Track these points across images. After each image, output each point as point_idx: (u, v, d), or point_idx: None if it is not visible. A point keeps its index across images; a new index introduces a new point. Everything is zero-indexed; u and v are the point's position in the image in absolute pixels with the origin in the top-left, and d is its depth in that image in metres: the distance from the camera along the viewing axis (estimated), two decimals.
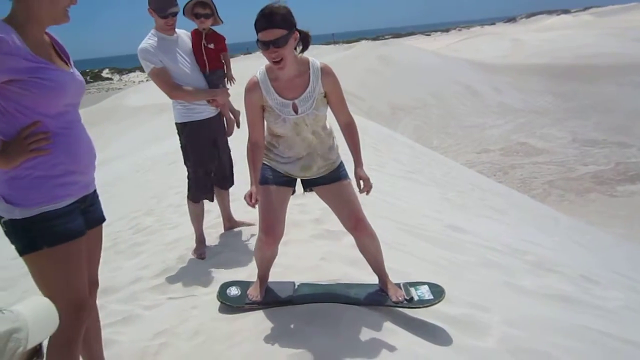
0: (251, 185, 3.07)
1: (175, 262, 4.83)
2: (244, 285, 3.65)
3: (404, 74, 34.56)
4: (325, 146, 3.20)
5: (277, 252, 3.35)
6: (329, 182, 3.23)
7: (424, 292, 3.36)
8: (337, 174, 3.24)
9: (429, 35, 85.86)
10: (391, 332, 3.16)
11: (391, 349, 2.94)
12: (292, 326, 3.22)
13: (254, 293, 3.43)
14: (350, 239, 4.50)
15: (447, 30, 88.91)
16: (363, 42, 54.97)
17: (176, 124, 4.83)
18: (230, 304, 3.48)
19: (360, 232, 3.25)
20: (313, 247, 4.58)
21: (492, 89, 33.83)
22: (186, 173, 4.97)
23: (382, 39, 71.20)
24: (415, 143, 18.87)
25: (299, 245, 4.65)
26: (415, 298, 3.30)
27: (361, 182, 3.14)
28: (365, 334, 3.09)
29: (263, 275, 3.48)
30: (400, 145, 15.13)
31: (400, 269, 4.13)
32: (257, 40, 2.74)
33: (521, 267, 5.26)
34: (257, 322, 3.32)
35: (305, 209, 5.51)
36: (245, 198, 3.06)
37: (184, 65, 4.64)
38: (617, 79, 33.52)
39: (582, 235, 10.73)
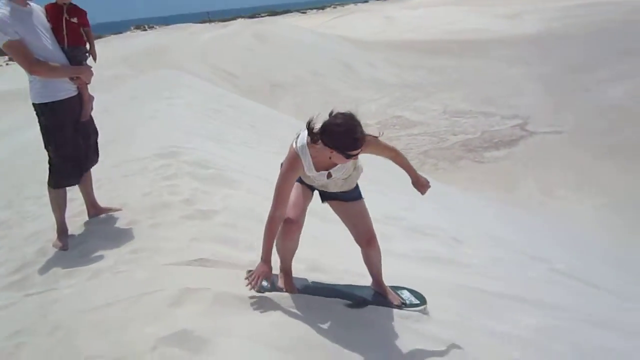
0: (263, 260, 3.17)
1: (35, 256, 4.41)
2: (274, 278, 3.49)
3: (281, 52, 34.40)
4: (351, 181, 3.38)
5: (298, 242, 3.39)
6: (346, 200, 3.45)
7: (409, 296, 3.72)
8: (354, 194, 3.46)
9: (305, 13, 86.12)
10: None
11: None
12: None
13: (288, 288, 3.41)
14: (222, 218, 4.29)
15: (322, 8, 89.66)
16: (239, 20, 53.89)
17: (35, 104, 4.29)
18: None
19: (372, 247, 3.52)
20: (184, 228, 4.31)
21: (368, 64, 34.67)
22: (47, 159, 4.46)
23: (258, 17, 70.39)
24: (295, 120, 18.85)
25: (168, 227, 4.36)
26: (407, 302, 3.64)
27: (422, 185, 3.50)
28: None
29: (288, 267, 3.45)
30: (280, 122, 15.01)
31: None
32: (342, 149, 2.90)
33: (397, 233, 5.33)
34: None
35: (176, 190, 5.18)
36: (249, 277, 3.13)
37: (44, 39, 4.14)
38: (482, 53, 35.73)
39: (455, 200, 11.30)
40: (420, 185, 3.49)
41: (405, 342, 3.16)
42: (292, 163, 3.12)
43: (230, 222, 4.38)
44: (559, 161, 20.19)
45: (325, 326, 3.12)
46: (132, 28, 59.43)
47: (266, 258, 3.17)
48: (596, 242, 12.89)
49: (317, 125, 3.00)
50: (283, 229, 3.21)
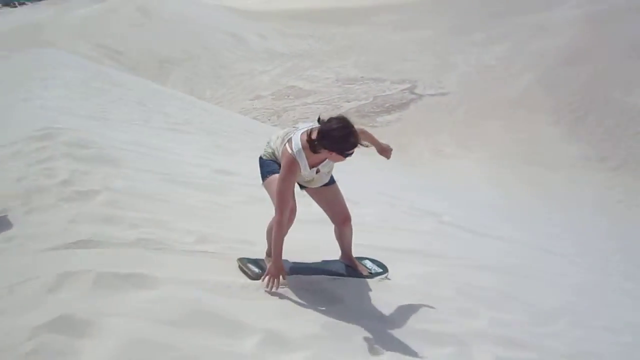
0: (275, 263, 3.31)
1: None
2: (262, 263, 3.63)
3: (168, 26, 33.10)
4: (330, 173, 3.62)
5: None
6: (322, 185, 3.64)
7: (373, 266, 4.00)
8: (329, 180, 3.66)
9: None
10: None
11: None
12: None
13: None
14: (103, 198, 4.11)
15: None
16: None
17: None
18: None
19: (346, 225, 3.76)
20: (61, 211, 4.07)
21: (258, 35, 34.24)
22: None
23: None
24: (185, 95, 18.33)
25: (44, 211, 4.11)
26: (373, 272, 3.91)
27: (386, 150, 3.81)
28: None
29: (280, 252, 3.37)
30: (168, 98, 14.51)
31: (158, 218, 3.89)
32: (343, 150, 3.17)
33: None
34: None
35: (53, 173, 4.87)
36: (268, 278, 3.28)
37: None
38: (367, 19, 36.40)
39: (349, 165, 11.59)
40: (384, 150, 3.80)
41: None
42: (290, 167, 3.28)
43: (113, 201, 4.19)
44: (446, 121, 21.22)
45: (215, 297, 3.10)
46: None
47: (279, 260, 3.33)
48: (482, 194, 13.78)
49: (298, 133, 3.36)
50: (282, 223, 3.33)
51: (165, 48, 30.49)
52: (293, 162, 3.27)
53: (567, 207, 14.13)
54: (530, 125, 19.90)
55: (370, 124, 21.64)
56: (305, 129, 3.32)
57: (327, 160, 3.38)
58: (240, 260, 3.67)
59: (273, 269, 3.31)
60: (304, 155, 3.27)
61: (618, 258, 8.39)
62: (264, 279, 3.32)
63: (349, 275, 3.78)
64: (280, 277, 3.32)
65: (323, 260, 3.92)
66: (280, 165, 3.38)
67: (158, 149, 7.01)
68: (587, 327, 4.30)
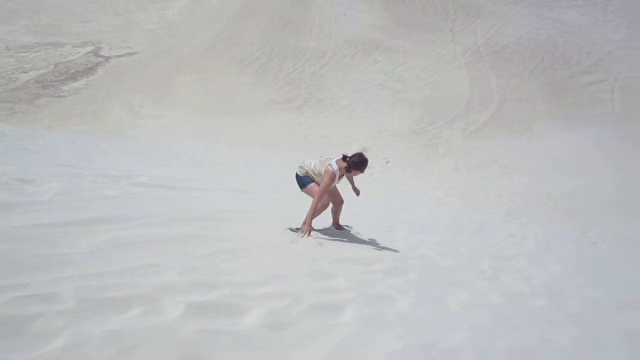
0: (309, 224, 5.72)
1: None
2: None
3: None
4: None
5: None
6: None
7: (347, 227, 6.67)
8: None
9: None
10: None
11: None
12: None
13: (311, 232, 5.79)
14: None
15: None
16: None
17: None
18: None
19: (340, 206, 6.31)
20: None
21: None
22: None
23: None
24: None
25: None
26: (346, 228, 6.59)
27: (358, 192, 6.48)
28: None
29: (311, 220, 5.78)
30: None
31: None
32: (351, 169, 5.85)
33: None
34: None
35: None
36: (304, 230, 5.68)
37: None
38: None
39: (35, 141, 10.41)
40: (357, 190, 6.47)
41: None
42: (331, 178, 5.70)
43: None
44: (137, 81, 20.58)
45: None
46: None
47: (310, 223, 5.71)
48: (186, 149, 13.88)
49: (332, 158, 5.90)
50: (324, 205, 5.88)
51: None
52: (333, 176, 5.73)
53: (266, 147, 15.25)
54: (220, 78, 20.61)
55: (56, 94, 19.75)
56: (337, 159, 5.86)
57: (344, 175, 5.97)
58: (290, 228, 5.87)
59: (306, 227, 5.67)
60: (339, 173, 5.80)
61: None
62: (302, 231, 5.66)
63: (338, 229, 6.44)
64: (308, 231, 5.67)
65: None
66: (311, 179, 5.93)
67: None
68: (259, 249, 4.75)
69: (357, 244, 5.87)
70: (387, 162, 14.85)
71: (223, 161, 12.82)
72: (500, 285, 5.45)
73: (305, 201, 5.94)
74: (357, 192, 6.35)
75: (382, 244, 6.17)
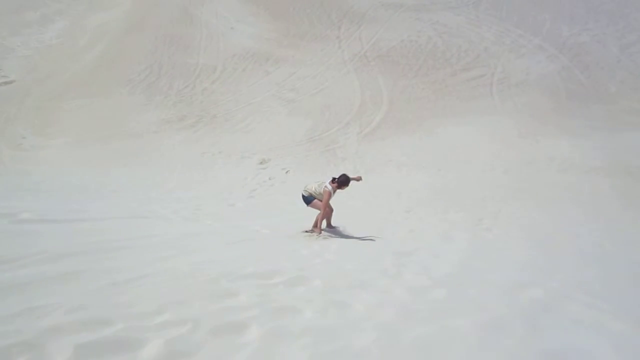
0: (319, 227, 8.19)
1: None
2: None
3: None
4: None
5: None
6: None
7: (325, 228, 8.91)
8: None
9: None
10: None
11: None
12: None
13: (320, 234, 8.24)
14: None
15: None
16: None
17: None
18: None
19: (332, 212, 8.76)
20: None
21: None
22: None
23: None
24: None
25: None
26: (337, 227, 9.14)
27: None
28: None
29: (320, 225, 8.33)
30: None
31: None
32: (339, 186, 8.24)
33: None
34: None
35: None
36: (313, 233, 8.07)
37: None
38: None
39: None
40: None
41: None
42: (329, 195, 8.08)
43: None
44: (17, 111, 19.28)
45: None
46: None
47: (320, 227, 8.16)
48: (75, 178, 13.12)
49: (325, 181, 8.29)
50: (327, 213, 8.55)
51: None
52: (329, 194, 8.07)
53: (162, 168, 14.77)
54: (108, 100, 19.78)
55: None
56: (329, 181, 8.18)
57: (337, 191, 8.27)
58: (304, 231, 8.23)
59: (317, 230, 8.06)
60: (333, 190, 8.13)
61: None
62: (314, 232, 8.07)
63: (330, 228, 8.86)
64: (319, 232, 8.07)
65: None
66: (314, 197, 8.28)
67: None
68: (175, 280, 4.56)
69: (257, 258, 5.77)
70: (287, 172, 14.89)
71: (117, 187, 12.26)
72: (403, 281, 5.58)
73: (206, 220, 5.78)
74: (359, 178, 8.84)
75: (284, 254, 6.14)
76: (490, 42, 23.58)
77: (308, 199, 8.35)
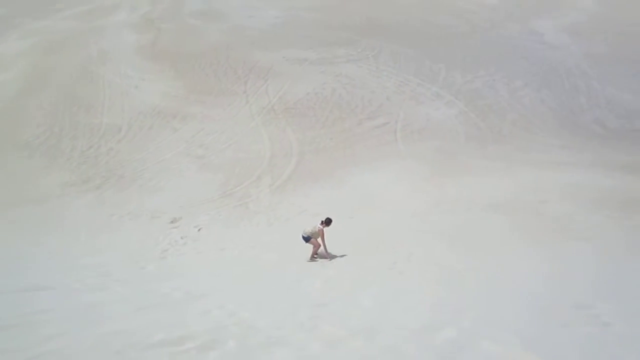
0: (327, 252, 11.56)
1: None
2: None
3: None
4: None
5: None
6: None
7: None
8: None
9: None
10: None
11: None
12: None
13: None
14: None
15: None
16: None
17: None
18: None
19: (318, 247, 11.76)
20: None
21: None
22: None
23: None
24: None
25: None
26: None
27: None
28: None
29: (326, 251, 11.62)
30: None
31: None
32: (327, 225, 11.69)
33: None
34: None
35: None
36: (326, 256, 11.44)
37: None
38: None
39: None
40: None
41: None
42: (324, 233, 11.51)
43: None
44: None
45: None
46: None
47: (327, 251, 11.51)
48: None
49: (317, 224, 11.68)
50: (317, 245, 11.68)
51: None
52: (324, 232, 11.46)
53: (66, 233, 14.07)
54: (5, 165, 18.75)
55: None
56: (320, 223, 11.55)
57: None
58: (314, 256, 11.65)
59: (326, 255, 11.51)
60: (325, 230, 11.55)
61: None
62: (326, 257, 11.51)
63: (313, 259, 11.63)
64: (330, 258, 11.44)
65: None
66: (312, 235, 11.56)
67: None
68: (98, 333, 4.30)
69: (168, 323, 5.56)
70: (199, 230, 14.61)
71: (15, 257, 11.50)
72: (319, 333, 5.58)
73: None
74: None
75: (196, 317, 5.97)
76: (392, 92, 24.72)
77: (307, 239, 11.53)
